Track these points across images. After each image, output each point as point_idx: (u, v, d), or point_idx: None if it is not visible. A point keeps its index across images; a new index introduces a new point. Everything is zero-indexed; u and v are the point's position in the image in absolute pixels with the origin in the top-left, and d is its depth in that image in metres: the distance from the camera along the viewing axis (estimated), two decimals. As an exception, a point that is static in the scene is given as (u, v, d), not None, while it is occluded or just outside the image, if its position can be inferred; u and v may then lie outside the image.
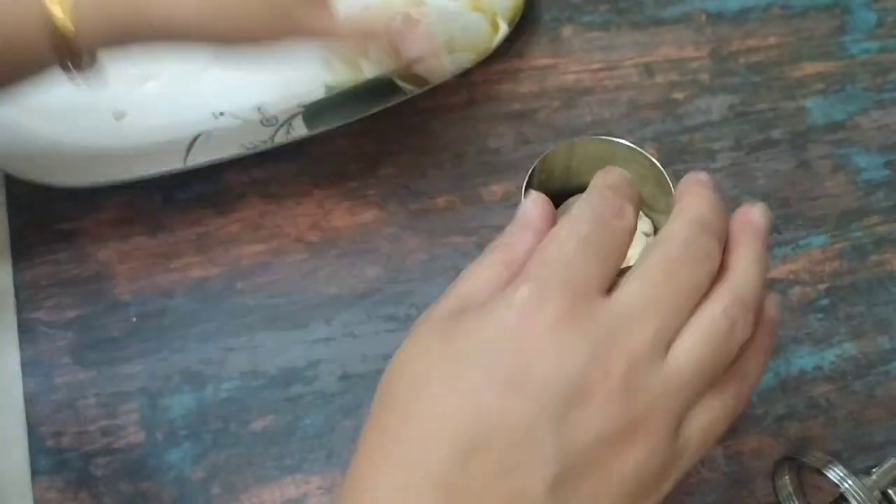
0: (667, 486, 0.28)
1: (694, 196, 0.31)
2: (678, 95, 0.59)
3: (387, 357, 0.50)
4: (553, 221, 0.31)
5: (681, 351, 0.28)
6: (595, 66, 0.60)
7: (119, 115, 0.56)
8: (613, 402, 0.27)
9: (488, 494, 0.27)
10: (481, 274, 0.30)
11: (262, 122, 0.54)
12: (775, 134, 0.58)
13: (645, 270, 0.29)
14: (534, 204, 0.31)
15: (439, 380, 0.28)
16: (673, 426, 0.28)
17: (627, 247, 0.30)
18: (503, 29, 0.58)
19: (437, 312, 0.30)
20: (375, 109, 0.55)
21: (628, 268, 0.30)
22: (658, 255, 0.29)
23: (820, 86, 0.60)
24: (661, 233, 0.30)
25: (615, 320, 0.28)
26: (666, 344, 0.28)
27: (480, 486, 0.27)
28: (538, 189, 0.44)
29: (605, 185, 0.31)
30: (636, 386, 0.27)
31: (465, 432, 0.27)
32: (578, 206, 0.30)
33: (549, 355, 0.27)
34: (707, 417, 0.29)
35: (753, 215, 0.32)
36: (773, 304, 0.31)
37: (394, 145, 0.57)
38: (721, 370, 0.29)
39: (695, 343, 0.28)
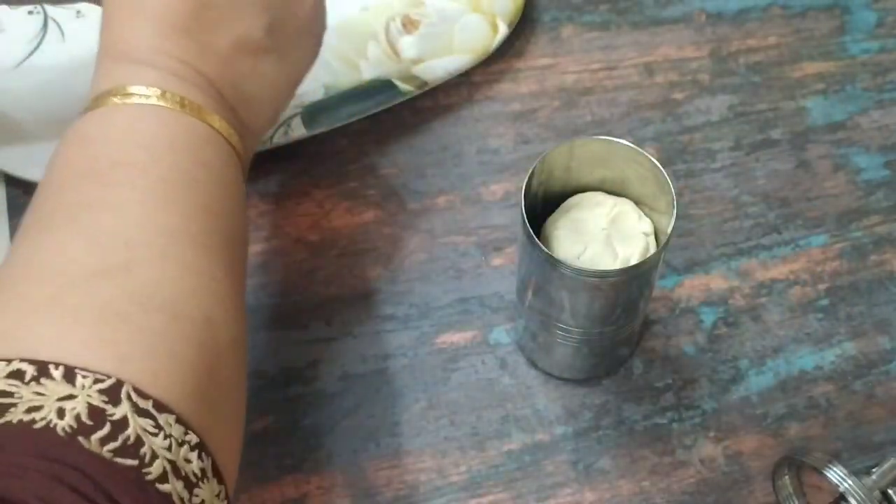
0: (320, 37, 0.45)
1: None
2: (678, 95, 0.59)
3: (387, 357, 0.51)
4: None
5: None
6: (595, 66, 0.60)
7: (119, 116, 0.56)
8: None
9: (221, 37, 0.39)
10: None
11: (261, 122, 0.54)
12: (775, 134, 0.58)
13: None
14: None
15: None
16: None
17: None
18: (503, 30, 0.58)
19: None
20: (375, 110, 0.55)
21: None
22: None
23: (820, 86, 0.60)
24: None
25: None
26: None
27: (214, 32, 0.38)
28: (538, 189, 0.44)
29: None
30: None
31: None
32: None
33: None
34: None
35: None
36: None
37: (394, 145, 0.57)
38: None
39: None
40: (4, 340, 0.30)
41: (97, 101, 0.37)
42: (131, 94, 0.36)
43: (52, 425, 0.27)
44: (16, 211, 0.54)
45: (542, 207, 0.46)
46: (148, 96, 0.36)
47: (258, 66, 0.40)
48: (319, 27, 0.44)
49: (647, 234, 0.45)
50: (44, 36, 0.58)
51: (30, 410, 0.27)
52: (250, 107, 0.41)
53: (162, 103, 0.36)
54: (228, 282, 0.37)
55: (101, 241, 0.33)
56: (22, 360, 0.29)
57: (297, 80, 0.44)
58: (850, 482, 0.42)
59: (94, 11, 0.59)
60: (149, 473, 0.28)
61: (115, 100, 0.36)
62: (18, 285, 0.32)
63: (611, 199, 0.46)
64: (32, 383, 0.28)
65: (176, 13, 0.38)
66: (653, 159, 0.42)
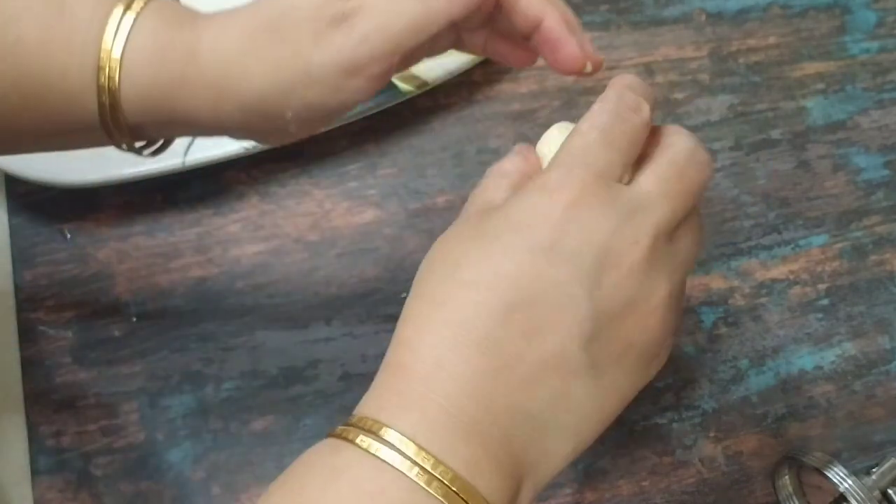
0: (665, 353, 0.33)
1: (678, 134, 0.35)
2: (678, 95, 0.59)
3: (387, 357, 0.50)
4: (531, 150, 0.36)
5: (682, 234, 0.32)
6: (595, 66, 0.60)
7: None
8: (641, 270, 0.30)
9: (527, 350, 0.29)
10: (489, 188, 0.34)
11: (262, 122, 0.54)
12: (775, 134, 0.58)
13: (657, 168, 0.33)
14: (517, 146, 0.36)
15: (477, 251, 0.31)
16: (677, 295, 0.32)
17: (643, 139, 0.33)
18: (503, 29, 0.58)
19: (464, 216, 0.34)
20: (375, 110, 0.55)
21: None
22: (668, 156, 0.33)
23: (820, 86, 0.60)
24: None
25: (636, 200, 0.31)
26: (675, 227, 0.32)
27: (520, 343, 0.29)
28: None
29: (622, 84, 0.34)
30: (657, 257, 0.31)
31: (504, 295, 0.29)
32: (599, 103, 0.33)
33: (580, 227, 0.30)
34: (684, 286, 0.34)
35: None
36: None
37: (394, 145, 0.57)
38: (699, 253, 0.34)
39: (692, 228, 0.33)
40: None
41: (347, 429, 0.29)
42: (380, 440, 0.28)
43: None
44: (16, 211, 0.54)
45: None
46: (397, 455, 0.28)
47: (566, 388, 0.30)
48: (658, 346, 0.32)
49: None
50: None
51: None
52: (544, 439, 0.30)
53: (410, 470, 0.28)
54: None
55: None
56: None
57: (615, 408, 0.32)
58: (850, 482, 0.42)
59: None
60: None
61: (361, 440, 0.28)
62: None
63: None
64: None
65: (479, 315, 0.29)
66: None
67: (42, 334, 0.50)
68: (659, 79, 0.60)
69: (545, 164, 0.36)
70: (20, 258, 0.52)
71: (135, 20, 0.34)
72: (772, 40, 0.61)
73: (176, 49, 0.34)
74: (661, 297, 0.31)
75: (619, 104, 0.33)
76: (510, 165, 0.35)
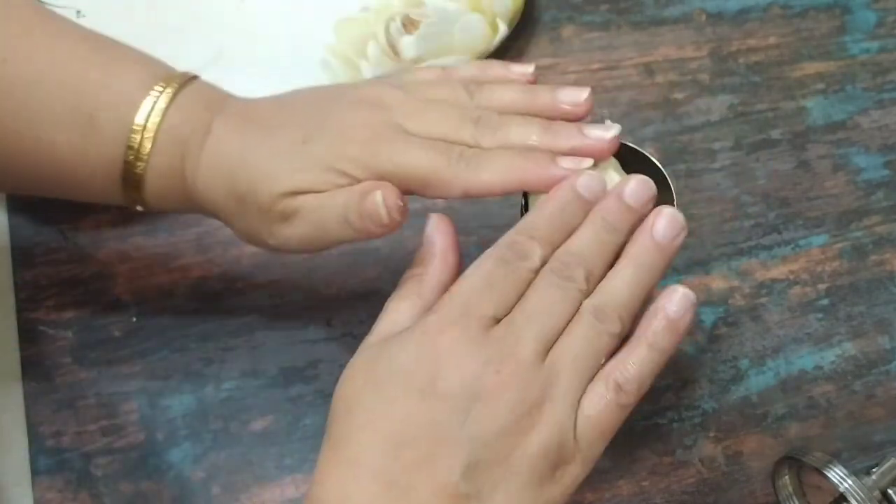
0: (573, 471, 0.34)
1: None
2: (678, 95, 0.59)
3: (387, 357, 0.50)
4: (454, 238, 0.39)
5: (556, 352, 0.35)
6: (595, 66, 0.60)
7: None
8: (507, 399, 0.33)
9: (418, 481, 0.33)
10: (400, 306, 0.38)
11: (262, 122, 0.54)
12: (775, 134, 0.58)
13: (525, 299, 0.36)
14: (435, 229, 0.39)
15: (370, 396, 0.35)
16: (563, 414, 0.34)
17: (529, 281, 0.36)
18: (502, 30, 0.58)
19: (368, 343, 0.37)
20: (375, 109, 0.55)
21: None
22: (534, 287, 0.36)
23: (820, 86, 0.60)
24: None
25: (504, 336, 0.34)
26: (545, 349, 0.35)
27: (412, 474, 0.33)
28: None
29: (520, 227, 0.38)
30: (525, 384, 0.34)
31: (392, 434, 0.34)
32: (493, 248, 0.37)
33: (451, 367, 0.34)
34: (594, 405, 0.35)
35: (655, 232, 0.37)
36: (674, 304, 0.37)
37: (394, 145, 0.57)
38: (594, 363, 0.35)
39: (566, 344, 0.35)
40: None
41: None
42: None
43: None
44: (16, 211, 0.54)
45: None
46: None
47: None
48: (550, 460, 0.34)
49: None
50: (44, 36, 0.58)
51: None
52: None
53: None
54: None
55: None
56: None
57: None
58: (850, 482, 0.42)
59: (95, 11, 0.59)
60: None
61: None
62: None
63: (611, 200, 0.45)
64: None
65: (373, 453, 0.34)
66: (653, 159, 0.42)
67: (42, 334, 0.50)
68: (659, 79, 0.60)
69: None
70: (20, 258, 0.52)
71: (152, 146, 0.40)
72: (772, 40, 0.61)
73: (185, 177, 0.41)
74: (537, 418, 0.34)
75: (506, 251, 0.36)
76: (426, 279, 0.38)
